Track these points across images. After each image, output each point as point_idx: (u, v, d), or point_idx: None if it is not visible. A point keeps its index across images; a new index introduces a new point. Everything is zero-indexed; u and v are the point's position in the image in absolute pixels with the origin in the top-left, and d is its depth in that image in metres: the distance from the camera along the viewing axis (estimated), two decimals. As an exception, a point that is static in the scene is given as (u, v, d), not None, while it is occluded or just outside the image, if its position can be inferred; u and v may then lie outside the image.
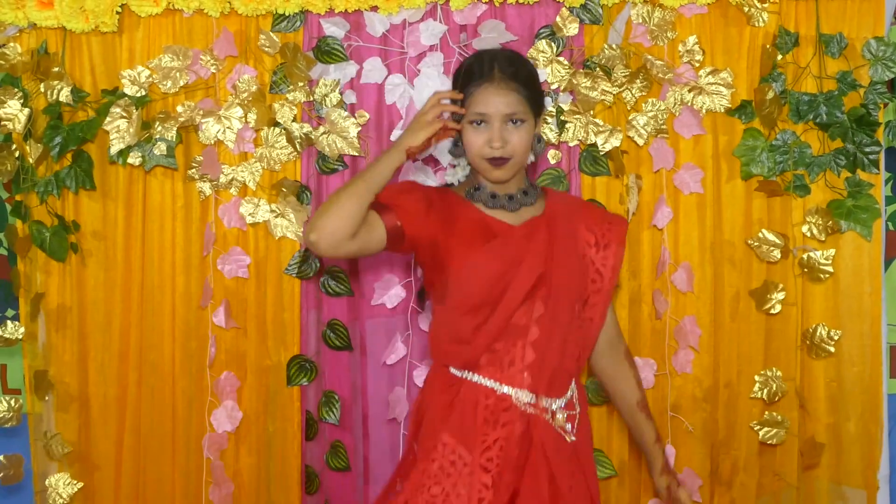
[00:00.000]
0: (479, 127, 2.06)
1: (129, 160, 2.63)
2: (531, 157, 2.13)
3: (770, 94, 2.62)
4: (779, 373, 2.67)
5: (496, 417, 2.06)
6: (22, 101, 2.61)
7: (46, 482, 2.66)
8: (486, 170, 2.08)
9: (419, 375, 2.69)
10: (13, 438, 2.79)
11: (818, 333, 2.67)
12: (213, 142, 2.63)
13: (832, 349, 2.67)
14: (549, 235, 2.09)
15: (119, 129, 2.59)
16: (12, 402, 2.62)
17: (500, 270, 2.04)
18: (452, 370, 2.10)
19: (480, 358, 2.08)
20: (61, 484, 2.66)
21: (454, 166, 2.26)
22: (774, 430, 2.67)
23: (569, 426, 2.11)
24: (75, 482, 2.67)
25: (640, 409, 2.28)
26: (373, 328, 2.72)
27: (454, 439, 2.05)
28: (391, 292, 2.70)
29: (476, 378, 2.08)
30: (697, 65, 2.64)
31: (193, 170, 2.65)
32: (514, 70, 2.07)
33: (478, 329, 2.06)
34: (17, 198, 2.67)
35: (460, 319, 2.07)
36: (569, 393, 2.13)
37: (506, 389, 2.07)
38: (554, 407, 2.10)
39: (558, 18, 2.63)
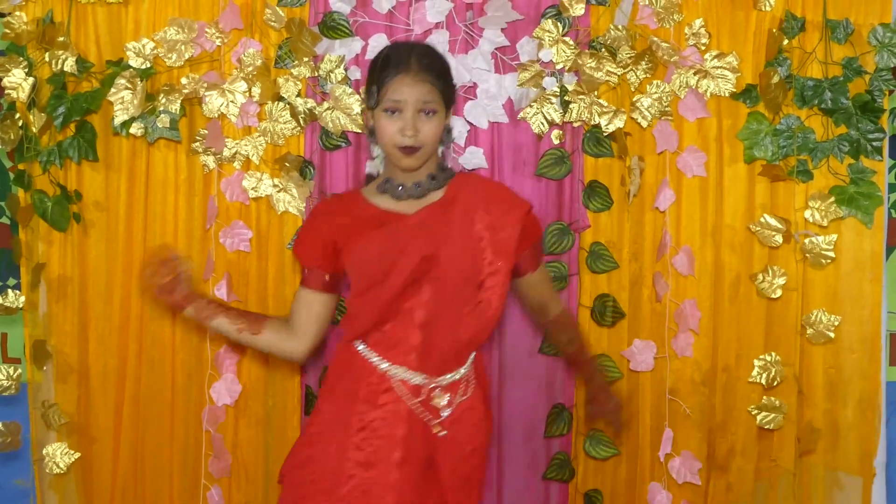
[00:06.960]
0: (392, 116, 2.11)
1: (132, 130, 2.62)
2: (440, 148, 2.20)
3: (775, 79, 2.62)
4: (778, 358, 2.67)
5: (375, 398, 2.13)
6: (26, 70, 2.60)
7: (44, 451, 2.65)
8: (397, 157, 2.14)
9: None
10: (12, 407, 2.79)
11: (817, 319, 2.67)
12: (216, 115, 2.63)
13: (831, 335, 2.67)
14: (442, 220, 2.14)
15: (123, 101, 2.59)
16: (11, 371, 2.62)
17: (381, 255, 2.11)
18: (353, 343, 2.18)
19: (369, 333, 2.16)
20: (59, 453, 2.66)
21: (373, 158, 2.40)
22: (772, 415, 2.67)
23: (444, 403, 2.15)
24: (72, 452, 2.67)
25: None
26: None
27: (332, 410, 2.16)
28: (392, 269, 2.69)
29: (361, 347, 2.16)
30: (703, 48, 2.64)
31: (197, 143, 2.65)
32: (430, 62, 2.15)
33: (364, 308, 2.14)
34: (20, 167, 2.66)
35: (353, 301, 2.17)
36: (455, 374, 2.17)
37: (387, 367, 2.13)
38: (438, 383, 2.15)
39: (565, -2, 2.63)
